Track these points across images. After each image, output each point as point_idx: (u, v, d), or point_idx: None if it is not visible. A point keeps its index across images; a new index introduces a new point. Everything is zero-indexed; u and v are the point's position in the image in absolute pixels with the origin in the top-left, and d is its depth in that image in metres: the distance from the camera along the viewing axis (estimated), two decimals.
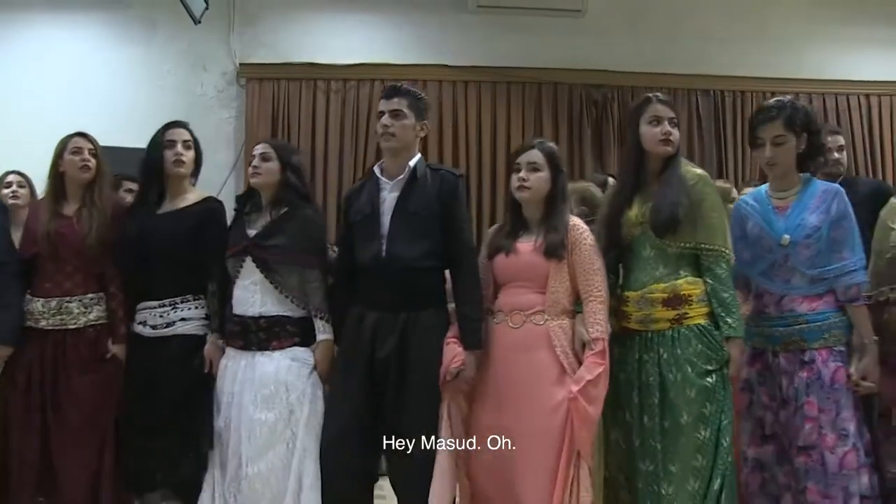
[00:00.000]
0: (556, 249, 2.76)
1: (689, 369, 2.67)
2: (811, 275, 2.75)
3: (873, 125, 6.08)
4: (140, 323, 3.15)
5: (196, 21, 5.16)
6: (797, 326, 2.73)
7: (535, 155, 2.85)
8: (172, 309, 3.11)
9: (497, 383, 2.79)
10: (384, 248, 2.87)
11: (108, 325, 3.16)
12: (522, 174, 2.84)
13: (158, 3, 5.48)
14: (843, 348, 2.73)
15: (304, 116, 5.72)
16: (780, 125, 2.76)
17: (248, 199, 3.16)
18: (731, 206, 3.52)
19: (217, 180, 5.13)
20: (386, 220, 2.89)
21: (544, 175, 2.83)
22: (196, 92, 5.71)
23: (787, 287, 2.79)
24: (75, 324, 3.12)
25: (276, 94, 5.70)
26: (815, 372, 2.70)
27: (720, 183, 4.08)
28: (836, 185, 2.87)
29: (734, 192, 3.93)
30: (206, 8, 5.22)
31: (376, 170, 3.01)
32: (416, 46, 5.86)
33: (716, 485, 2.65)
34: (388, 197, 2.92)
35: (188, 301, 3.13)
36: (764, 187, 2.93)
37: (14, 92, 5.45)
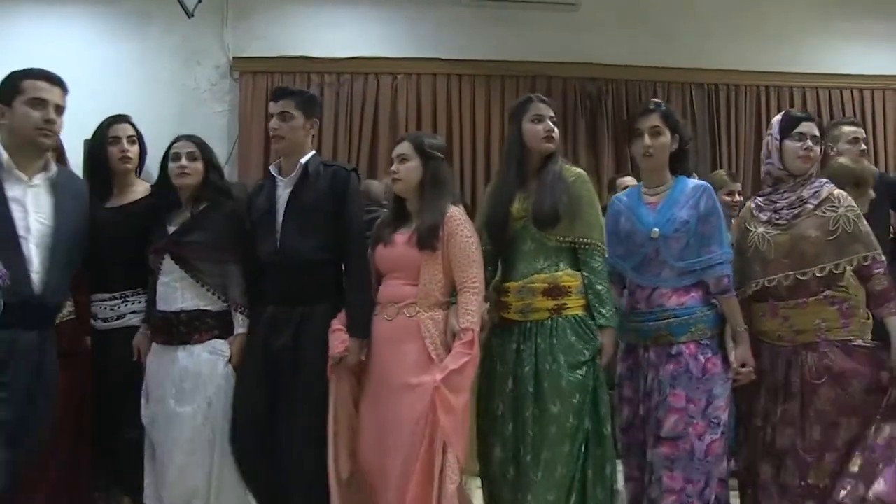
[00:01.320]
0: (426, 241, 2.83)
1: (563, 359, 2.79)
2: (680, 267, 2.89)
3: (866, 119, 6.09)
4: (91, 316, 3.18)
5: (189, 14, 5.14)
6: (665, 321, 2.86)
7: (404, 146, 2.95)
8: (123, 302, 3.16)
9: (373, 374, 2.88)
10: (278, 242, 2.97)
11: (79, 319, 3.14)
12: (394, 166, 2.94)
13: None
14: (708, 341, 2.86)
15: None
16: (658, 117, 2.94)
17: (167, 196, 3.17)
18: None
19: None
20: (280, 216, 2.99)
21: (413, 164, 2.91)
22: (189, 86, 5.70)
23: (658, 280, 2.92)
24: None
25: (269, 87, 5.66)
26: (683, 365, 2.82)
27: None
28: (705, 183, 3.01)
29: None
30: (200, 1, 5.20)
31: (273, 169, 3.11)
32: (409, 40, 5.85)
33: (588, 473, 2.79)
34: (283, 193, 3.03)
35: (139, 294, 3.18)
36: (639, 185, 3.09)
37: None
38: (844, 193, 2.91)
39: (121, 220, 3.16)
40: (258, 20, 5.78)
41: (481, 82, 5.85)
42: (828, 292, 2.84)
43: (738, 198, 4.39)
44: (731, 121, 6.04)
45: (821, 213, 2.85)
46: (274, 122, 3.03)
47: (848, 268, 2.84)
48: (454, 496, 2.67)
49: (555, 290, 2.85)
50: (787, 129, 2.95)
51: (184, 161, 3.08)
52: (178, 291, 3.04)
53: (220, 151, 5.51)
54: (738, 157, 5.97)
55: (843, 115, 5.99)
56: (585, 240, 2.89)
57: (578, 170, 3.02)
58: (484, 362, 2.91)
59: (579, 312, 2.85)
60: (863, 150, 3.90)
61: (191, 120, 5.51)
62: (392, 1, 5.83)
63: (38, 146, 2.71)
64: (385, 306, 2.88)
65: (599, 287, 2.87)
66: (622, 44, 5.91)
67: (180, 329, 3.01)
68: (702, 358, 2.82)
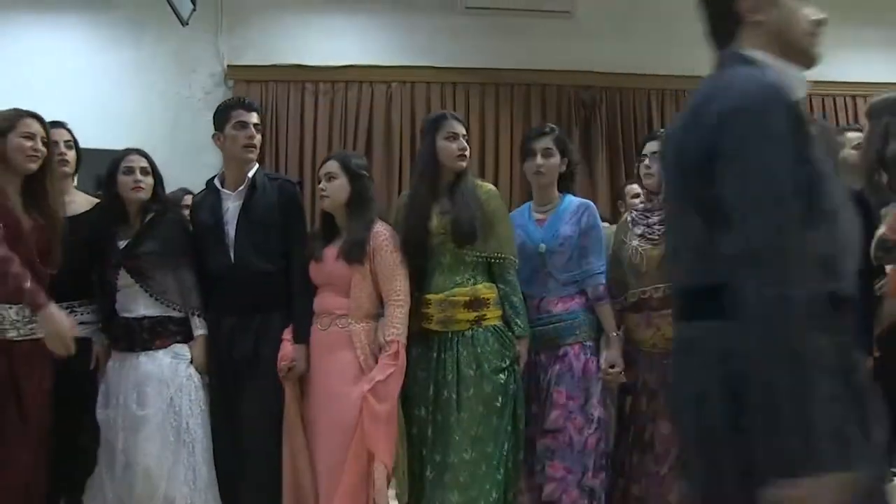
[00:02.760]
0: (352, 255, 2.94)
1: (486, 366, 2.94)
2: (563, 278, 3.13)
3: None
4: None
5: (184, 23, 5.12)
6: (552, 325, 3.11)
7: (331, 165, 3.05)
8: (70, 312, 3.05)
9: (310, 382, 3.01)
10: (233, 255, 3.05)
11: None
12: (321, 185, 3.03)
13: (146, 4, 5.44)
14: (591, 343, 3.12)
15: (292, 119, 5.71)
16: (550, 140, 3.17)
17: (115, 209, 3.15)
18: None
19: (204, 181, 5.11)
20: (231, 229, 3.07)
21: (340, 182, 3.02)
22: (184, 94, 5.69)
23: (545, 290, 3.16)
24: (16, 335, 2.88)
25: (264, 96, 5.68)
26: (567, 365, 3.08)
27: None
28: (588, 201, 3.26)
29: None
30: (194, 9, 5.18)
31: (216, 182, 3.17)
32: (404, 48, 5.86)
33: (502, 470, 2.93)
34: (231, 206, 3.10)
35: (85, 305, 3.15)
36: (529, 203, 3.31)
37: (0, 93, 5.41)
38: None
39: (67, 234, 3.03)
40: (253, 28, 5.78)
41: (475, 90, 5.86)
42: None
43: None
44: None
45: None
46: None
47: None
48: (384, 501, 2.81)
49: (475, 303, 2.99)
50: (639, 151, 3.23)
51: (139, 175, 3.11)
52: (139, 300, 3.08)
53: (214, 160, 5.50)
54: None
55: (837, 122, 6.02)
56: (500, 255, 3.04)
57: (490, 186, 3.22)
58: (406, 370, 3.02)
59: (497, 323, 3.02)
60: None
61: (184, 128, 5.51)
62: (387, 9, 5.84)
63: None
64: (320, 316, 3.01)
65: (515, 299, 3.04)
66: (617, 51, 5.91)
67: (142, 335, 3.05)
68: (583, 358, 3.07)
